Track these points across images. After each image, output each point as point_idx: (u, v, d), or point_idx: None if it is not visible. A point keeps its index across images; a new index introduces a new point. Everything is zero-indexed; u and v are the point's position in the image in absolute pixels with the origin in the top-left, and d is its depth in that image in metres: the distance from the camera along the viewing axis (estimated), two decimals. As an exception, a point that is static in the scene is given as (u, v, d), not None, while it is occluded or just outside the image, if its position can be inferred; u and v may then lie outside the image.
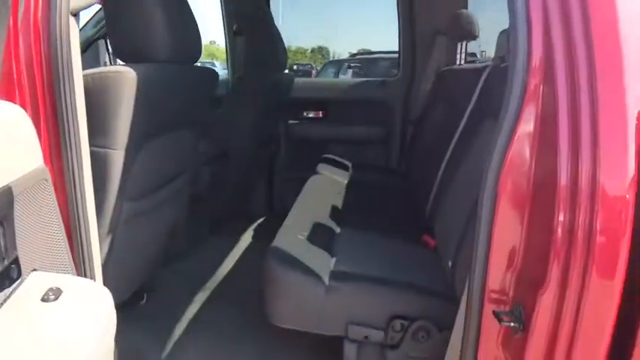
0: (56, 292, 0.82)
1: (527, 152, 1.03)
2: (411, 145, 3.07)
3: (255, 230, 3.11)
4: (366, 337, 1.45)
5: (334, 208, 2.15)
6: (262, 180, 3.37)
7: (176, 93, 1.67)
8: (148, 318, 2.07)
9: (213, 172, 2.37)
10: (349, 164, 3.01)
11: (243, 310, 2.10)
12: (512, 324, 1.06)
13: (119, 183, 1.46)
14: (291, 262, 1.50)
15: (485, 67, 1.90)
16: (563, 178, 0.93)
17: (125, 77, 1.37)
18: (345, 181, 2.70)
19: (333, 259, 1.61)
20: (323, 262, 1.56)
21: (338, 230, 1.90)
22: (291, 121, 3.40)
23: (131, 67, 1.40)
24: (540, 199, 1.01)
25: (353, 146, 3.33)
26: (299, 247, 1.62)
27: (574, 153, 0.92)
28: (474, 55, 3.29)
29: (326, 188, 2.49)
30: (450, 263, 1.50)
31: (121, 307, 1.99)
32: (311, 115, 3.56)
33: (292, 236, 1.70)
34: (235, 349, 1.89)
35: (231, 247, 2.78)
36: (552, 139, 0.96)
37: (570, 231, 0.92)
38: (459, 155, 1.86)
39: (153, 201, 1.70)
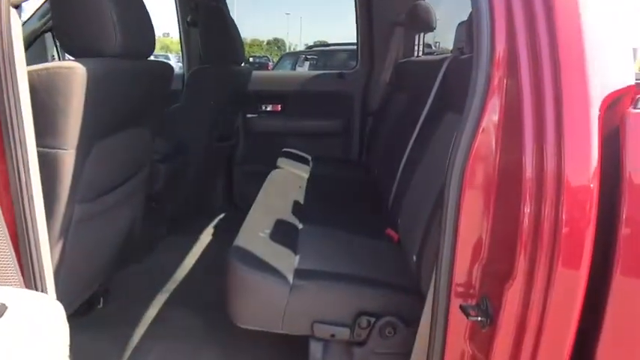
0: (0, 309, 0.75)
1: (492, 144, 1.02)
2: (372, 137, 3.06)
3: (216, 227, 3.04)
4: (333, 336, 1.43)
5: (296, 204, 2.11)
6: (221, 176, 3.30)
7: (129, 89, 1.59)
8: (105, 322, 1.99)
9: (169, 169, 2.30)
10: (309, 158, 2.98)
11: (204, 311, 2.04)
12: (479, 318, 1.05)
13: (70, 185, 1.38)
14: (253, 262, 1.45)
15: (444, 59, 1.90)
16: (529, 170, 0.93)
17: (75, 73, 1.29)
18: (306, 175, 2.67)
19: (297, 257, 1.57)
20: (286, 261, 1.52)
21: (300, 226, 1.87)
22: (249, 115, 3.33)
23: (81, 62, 1.32)
24: (506, 190, 1.00)
25: (313, 139, 3.29)
26: (261, 245, 1.58)
27: (539, 144, 0.92)
28: (428, 46, 3.31)
29: (287, 183, 2.45)
30: (414, 257, 1.49)
31: (76, 312, 1.93)
32: (269, 109, 3.51)
33: (254, 234, 1.66)
34: (198, 352, 1.83)
35: (190, 246, 2.71)
36: (517, 131, 0.95)
37: (536, 222, 0.92)
38: (420, 147, 1.85)
39: (106, 202, 1.62)
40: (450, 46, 2.26)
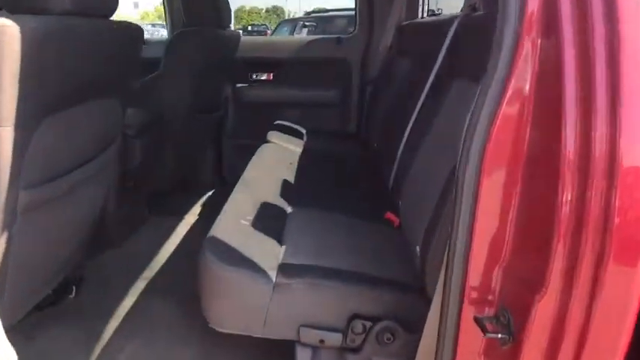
0: None
1: (520, 117, 0.83)
2: (371, 107, 2.84)
3: (203, 206, 2.83)
4: (322, 342, 1.24)
5: (285, 183, 1.89)
6: (210, 150, 3.08)
7: (85, 53, 1.36)
8: (76, 314, 1.82)
9: (146, 145, 2.07)
10: (303, 131, 2.76)
11: (185, 304, 1.84)
12: (499, 336, 0.86)
13: (10, 168, 1.16)
14: (230, 257, 1.25)
15: (453, 18, 1.66)
16: (570, 146, 0.74)
17: (4, 33, 1.06)
18: (299, 150, 2.45)
19: (283, 248, 1.37)
20: (270, 254, 1.32)
21: (289, 210, 1.66)
22: (238, 85, 3.10)
23: (14, 19, 1.09)
24: (538, 173, 0.82)
25: (307, 110, 3.08)
26: (241, 235, 1.37)
27: (584, 115, 0.73)
28: (431, 12, 3.04)
29: (276, 159, 2.22)
30: (417, 249, 1.28)
31: (45, 303, 1.75)
32: (261, 78, 3.27)
33: (234, 222, 1.45)
34: (174, 353, 1.64)
35: (173, 228, 2.50)
36: (555, 100, 0.76)
37: (579, 212, 0.74)
38: (426, 119, 1.63)
39: (64, 186, 1.41)
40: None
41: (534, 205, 0.83)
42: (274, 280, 1.22)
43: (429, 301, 1.14)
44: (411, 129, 1.75)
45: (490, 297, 0.94)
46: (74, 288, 1.90)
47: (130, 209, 2.29)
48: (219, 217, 1.46)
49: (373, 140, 2.51)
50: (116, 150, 1.74)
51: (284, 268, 1.26)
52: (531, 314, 0.81)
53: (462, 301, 0.94)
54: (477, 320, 0.91)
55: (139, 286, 2.00)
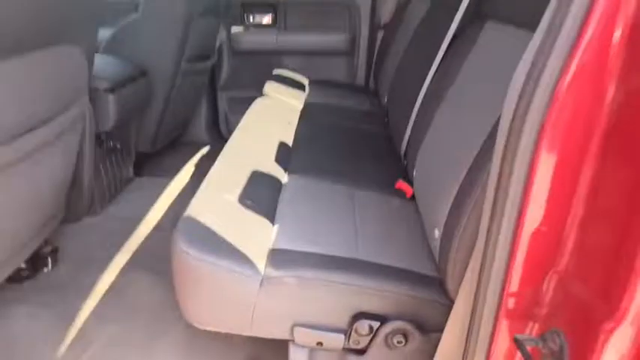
0: None
1: (601, 71, 0.60)
2: (382, 56, 2.59)
3: (197, 165, 2.59)
4: (320, 344, 1.02)
5: (282, 146, 1.64)
6: (203, 102, 2.83)
7: None
8: (50, 293, 1.62)
9: (124, 99, 1.82)
10: (305, 81, 2.49)
11: (170, 283, 1.62)
12: None
13: None
14: (209, 244, 1.02)
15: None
16: None
17: None
18: (300, 105, 2.19)
19: (275, 229, 1.13)
20: (259, 238, 1.09)
21: (285, 179, 1.42)
22: (234, 29, 2.83)
23: None
24: (621, 148, 0.61)
25: (310, 59, 2.84)
26: (225, 215, 1.13)
27: None
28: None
29: (273, 116, 1.97)
30: (436, 232, 1.05)
31: (18, 278, 1.55)
32: (262, 21, 2.98)
33: (216, 198, 1.20)
34: (154, 344, 1.44)
35: (161, 191, 2.26)
36: None
37: None
38: (448, 70, 1.38)
39: (17, 150, 1.18)
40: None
41: (612, 193, 0.62)
42: (262, 272, 0.99)
43: (449, 297, 0.96)
44: (430, 82, 1.49)
45: (536, 309, 0.73)
46: (49, 261, 1.71)
47: (112, 171, 2.06)
48: (198, 191, 1.22)
49: (384, 94, 2.25)
50: (84, 107, 1.50)
51: (275, 256, 1.03)
52: (597, 345, 0.61)
53: (497, 312, 0.74)
54: (517, 342, 0.69)
55: (120, 260, 1.78)
